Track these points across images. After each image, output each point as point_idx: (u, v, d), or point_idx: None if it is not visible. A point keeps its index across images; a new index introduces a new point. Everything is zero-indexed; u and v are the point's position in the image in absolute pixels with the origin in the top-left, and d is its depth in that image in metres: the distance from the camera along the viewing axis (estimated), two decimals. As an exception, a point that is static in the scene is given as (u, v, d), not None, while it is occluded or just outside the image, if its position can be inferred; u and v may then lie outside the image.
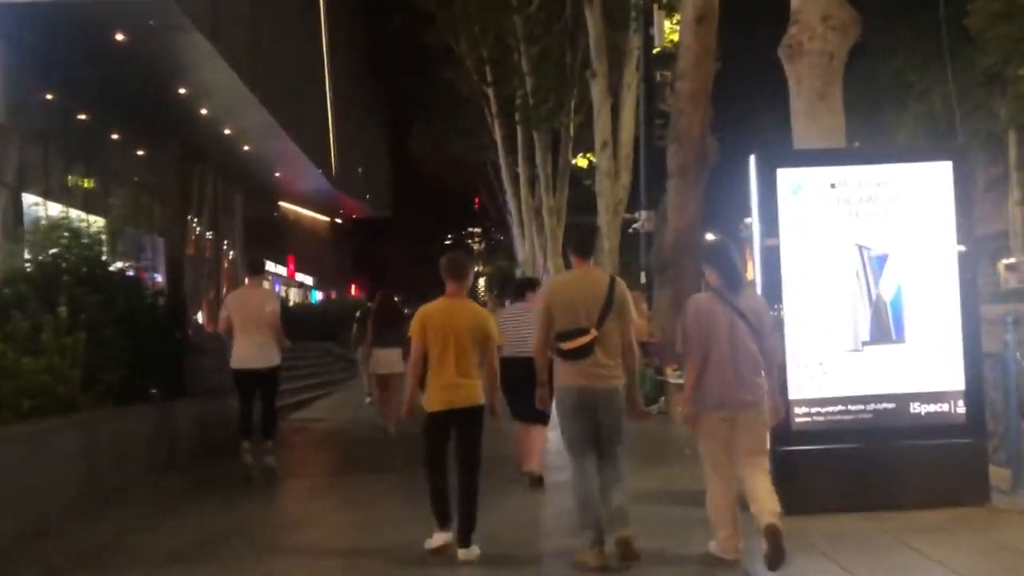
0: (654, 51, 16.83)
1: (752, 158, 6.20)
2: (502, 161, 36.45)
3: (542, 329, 5.39)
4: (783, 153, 7.02)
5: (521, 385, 6.36)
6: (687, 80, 14.35)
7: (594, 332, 5.22)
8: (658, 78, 16.66)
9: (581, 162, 33.64)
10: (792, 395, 6.10)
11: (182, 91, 27.32)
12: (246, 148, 35.03)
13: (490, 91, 34.57)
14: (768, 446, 5.43)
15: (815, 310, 6.14)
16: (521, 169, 34.88)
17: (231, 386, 8.97)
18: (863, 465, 6.11)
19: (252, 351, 8.45)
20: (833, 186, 6.15)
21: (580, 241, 5.63)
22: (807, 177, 6.17)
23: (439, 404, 5.55)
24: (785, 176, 6.15)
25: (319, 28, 44.91)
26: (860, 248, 6.13)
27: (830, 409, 6.12)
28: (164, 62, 24.55)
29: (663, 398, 12.11)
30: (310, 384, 16.73)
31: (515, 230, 38.82)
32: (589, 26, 23.84)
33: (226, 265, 10.66)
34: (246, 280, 10.24)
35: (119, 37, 21.96)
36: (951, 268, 6.15)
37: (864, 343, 6.14)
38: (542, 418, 7.38)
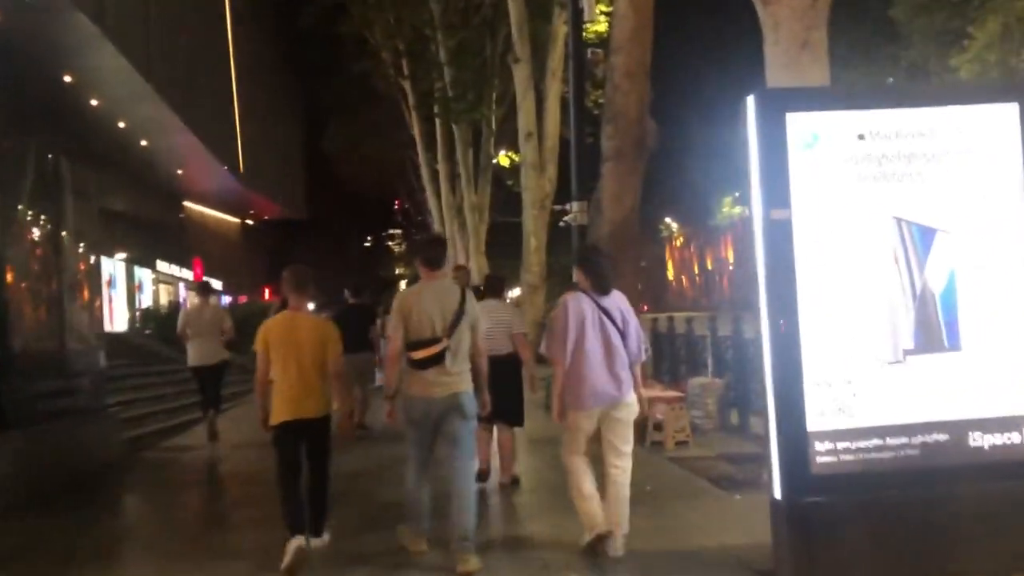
0: (584, 26, 15.22)
1: (751, 99, 4.50)
2: (421, 159, 35.78)
3: (395, 339, 5.48)
4: (794, 92, 5.25)
5: (498, 384, 6.21)
6: (622, 54, 12.92)
7: (445, 342, 5.36)
8: (588, 55, 15.04)
9: (503, 160, 32.60)
10: (811, 426, 4.43)
11: (68, 79, 25.08)
12: (144, 143, 32.82)
13: (407, 85, 33.62)
14: (632, 439, 5.61)
15: (839, 308, 4.47)
16: (441, 166, 34.16)
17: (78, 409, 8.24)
18: (908, 520, 4.46)
19: (205, 351, 10.77)
20: (862, 137, 4.49)
21: (429, 252, 5.71)
22: (827, 125, 4.49)
23: (284, 415, 5.66)
24: (797, 123, 4.45)
25: (224, 19, 42.50)
26: (899, 222, 4.49)
27: (862, 444, 4.45)
28: (44, 45, 22.28)
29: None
30: (196, 402, 14.45)
31: (436, 230, 37.49)
32: (511, 8, 22.63)
33: (83, 267, 8.74)
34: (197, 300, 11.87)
35: (-7, 19, 19.74)
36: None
37: (906, 352, 4.50)
38: (511, 418, 7.32)
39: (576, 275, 5.66)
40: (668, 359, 11.95)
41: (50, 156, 8.23)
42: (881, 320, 4.48)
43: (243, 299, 47.70)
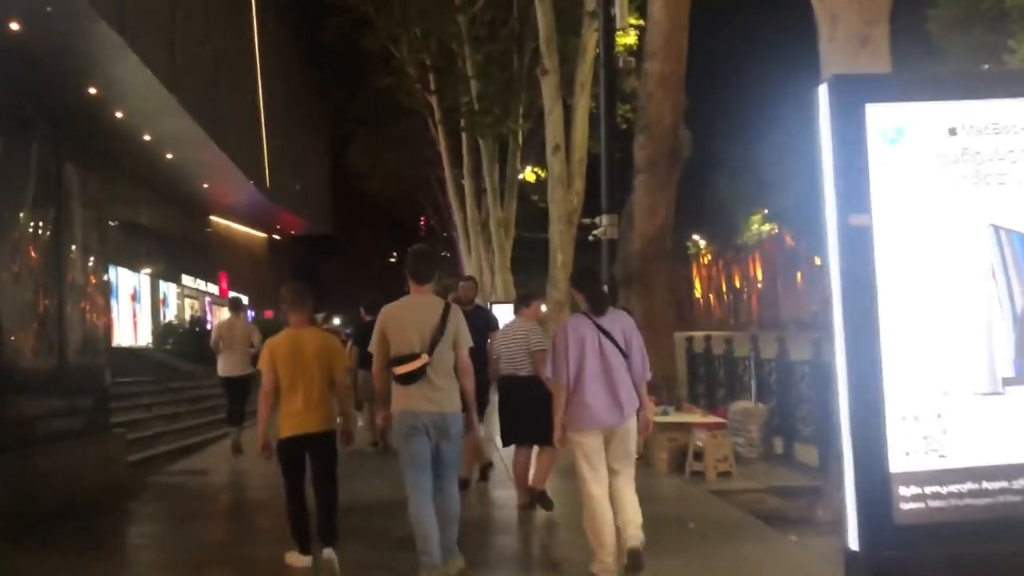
0: (618, 31, 14.68)
1: (824, 88, 3.89)
2: (447, 174, 35.50)
3: (378, 354, 5.48)
4: (875, 80, 4.63)
5: (519, 405, 6.42)
6: (656, 60, 12.44)
7: (425, 357, 5.32)
8: (620, 63, 14.49)
9: (529, 176, 32.15)
10: (894, 466, 3.80)
11: (92, 91, 24.88)
12: (169, 157, 32.64)
13: (433, 100, 33.25)
14: (635, 455, 5.62)
15: (927, 330, 3.85)
16: (466, 182, 33.82)
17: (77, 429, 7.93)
18: (1009, 579, 3.83)
19: (234, 363, 11.46)
20: (953, 132, 3.87)
21: (416, 267, 5.62)
22: (912, 118, 3.87)
23: (290, 430, 5.80)
24: (878, 116, 3.84)
25: (250, 32, 42.38)
26: (997, 230, 3.86)
27: (954, 489, 3.81)
28: (68, 56, 22.08)
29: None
30: (212, 421, 13.92)
31: (461, 246, 37.20)
32: (539, 19, 22.24)
33: (92, 279, 8.23)
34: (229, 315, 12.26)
35: (14, 26, 19.51)
36: None
37: (1006, 381, 3.85)
38: (539, 439, 6.93)
39: (576, 297, 5.68)
40: (705, 381, 11.29)
41: (53, 162, 7.74)
42: (976, 344, 3.85)
43: (268, 314, 47.45)
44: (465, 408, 5.50)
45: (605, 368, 5.28)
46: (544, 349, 6.99)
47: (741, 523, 6.60)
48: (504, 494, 7.93)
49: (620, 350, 5.32)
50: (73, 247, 8.15)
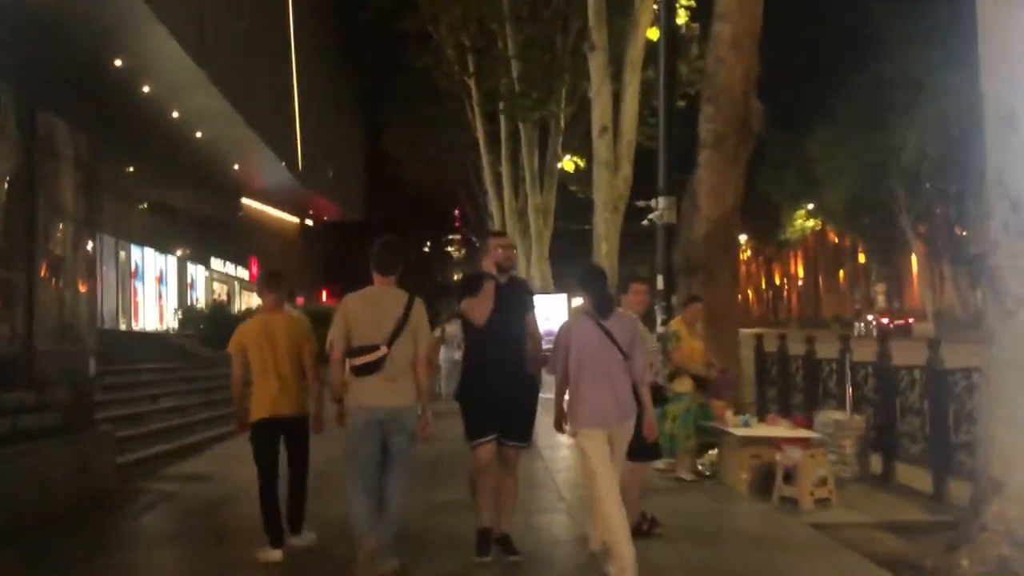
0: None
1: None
2: (484, 160, 34.52)
3: (338, 342, 5.30)
4: None
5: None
6: (728, 22, 11.11)
7: (384, 350, 5.24)
8: (683, 29, 13.07)
9: (567, 165, 30.90)
10: None
11: (118, 63, 23.88)
12: (199, 135, 31.73)
13: (471, 83, 32.09)
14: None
15: None
16: (504, 168, 32.77)
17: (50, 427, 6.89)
18: None
19: None
20: None
21: (381, 258, 5.44)
22: None
23: (262, 412, 5.81)
24: None
25: (285, 9, 41.34)
26: None
27: None
28: (92, 26, 21.06)
29: (715, 451, 8.30)
30: (226, 415, 12.58)
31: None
32: (587, -10, 20.95)
33: (75, 252, 6.94)
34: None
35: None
36: None
37: None
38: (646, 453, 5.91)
39: (580, 297, 5.66)
40: (779, 386, 9.85)
41: (23, 105, 6.46)
42: None
43: (300, 301, 46.51)
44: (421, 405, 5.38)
45: (606, 368, 5.27)
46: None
47: (860, 572, 5.15)
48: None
49: (622, 352, 5.27)
50: (49, 211, 6.88)
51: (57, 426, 6.92)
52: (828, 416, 7.71)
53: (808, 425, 7.65)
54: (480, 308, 5.40)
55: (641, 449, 5.56)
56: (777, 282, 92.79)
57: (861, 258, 69.30)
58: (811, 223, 67.52)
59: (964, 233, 52.89)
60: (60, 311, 7.07)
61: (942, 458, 6.68)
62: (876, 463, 7.64)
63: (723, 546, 5.83)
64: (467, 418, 5.49)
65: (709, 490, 7.65)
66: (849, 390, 7.69)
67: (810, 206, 63.76)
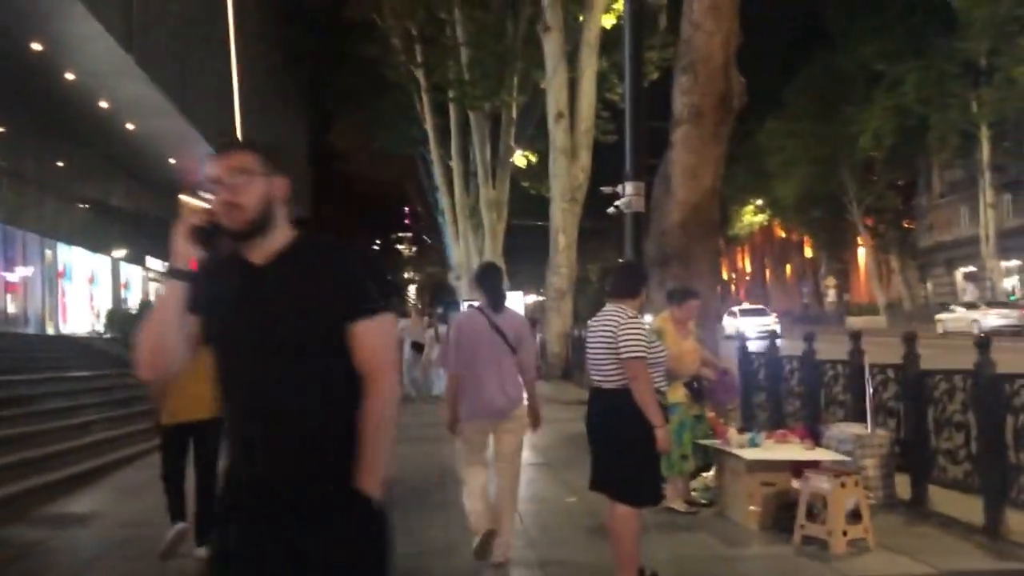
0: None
1: None
2: (433, 155, 33.21)
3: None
4: None
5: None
6: None
7: None
8: (650, -1, 11.97)
9: (519, 161, 29.78)
10: None
11: (36, 47, 22.10)
12: (130, 127, 29.91)
13: (420, 73, 30.84)
14: (522, 451, 5.72)
15: None
16: (454, 163, 31.56)
17: None
18: None
19: None
20: None
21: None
22: None
23: (175, 417, 5.91)
24: None
25: (223, -3, 39.49)
26: None
27: None
28: (4, 4, 19.35)
29: (709, 474, 7.07)
30: (140, 431, 10.79)
31: (448, 231, 34.85)
32: (541, -30, 19.86)
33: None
34: None
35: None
36: None
37: None
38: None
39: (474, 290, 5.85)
40: (767, 392, 8.69)
41: None
42: None
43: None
44: None
45: (496, 363, 5.46)
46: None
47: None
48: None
49: (510, 347, 5.48)
50: None
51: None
52: (844, 430, 6.49)
53: (814, 440, 6.50)
54: None
55: (626, 488, 4.68)
56: (724, 277, 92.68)
57: (808, 252, 69.22)
58: (759, 218, 67.20)
59: (912, 226, 52.86)
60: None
61: (997, 483, 5.56)
62: (902, 486, 6.48)
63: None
64: None
65: (712, 527, 6.33)
66: (869, 400, 6.46)
67: (759, 201, 63.42)
